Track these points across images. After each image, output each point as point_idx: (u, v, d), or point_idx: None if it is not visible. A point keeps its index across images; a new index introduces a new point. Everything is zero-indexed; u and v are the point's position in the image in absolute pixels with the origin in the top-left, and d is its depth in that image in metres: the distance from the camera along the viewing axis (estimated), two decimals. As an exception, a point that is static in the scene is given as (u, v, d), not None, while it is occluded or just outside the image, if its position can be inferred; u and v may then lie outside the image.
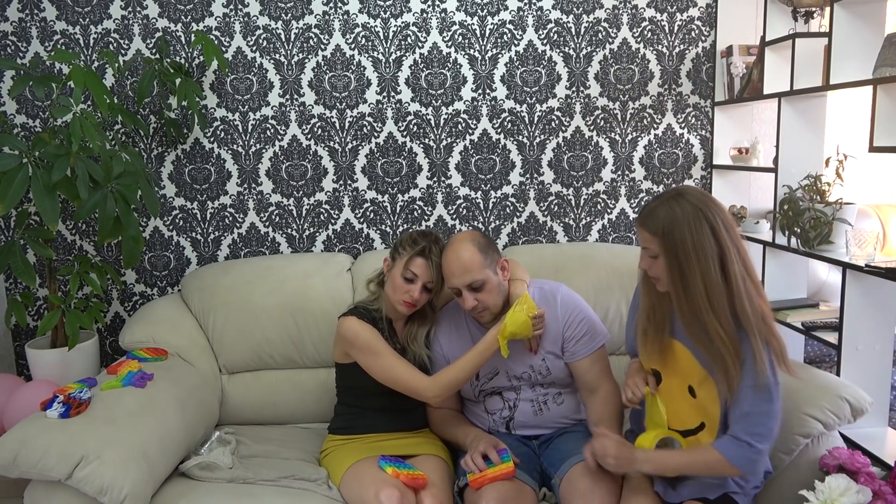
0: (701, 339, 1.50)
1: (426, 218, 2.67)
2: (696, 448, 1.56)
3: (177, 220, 2.63)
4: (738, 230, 1.51)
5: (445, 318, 1.99)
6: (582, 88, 2.62)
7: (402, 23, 2.54)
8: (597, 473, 1.65)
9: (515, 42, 2.58)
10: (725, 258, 1.44)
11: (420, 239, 1.87)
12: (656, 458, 1.56)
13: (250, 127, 2.58)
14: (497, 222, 2.68)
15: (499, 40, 2.57)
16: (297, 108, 2.58)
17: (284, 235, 2.66)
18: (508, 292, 1.86)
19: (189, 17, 2.51)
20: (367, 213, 2.65)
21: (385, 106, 2.59)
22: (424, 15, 2.54)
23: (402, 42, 2.56)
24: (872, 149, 1.80)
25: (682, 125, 2.66)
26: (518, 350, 1.86)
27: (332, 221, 2.65)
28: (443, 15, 2.55)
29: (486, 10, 2.55)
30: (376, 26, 2.54)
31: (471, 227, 2.67)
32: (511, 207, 2.67)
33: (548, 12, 2.56)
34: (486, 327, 1.86)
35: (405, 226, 2.66)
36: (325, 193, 2.63)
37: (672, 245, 1.46)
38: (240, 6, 2.52)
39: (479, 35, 2.57)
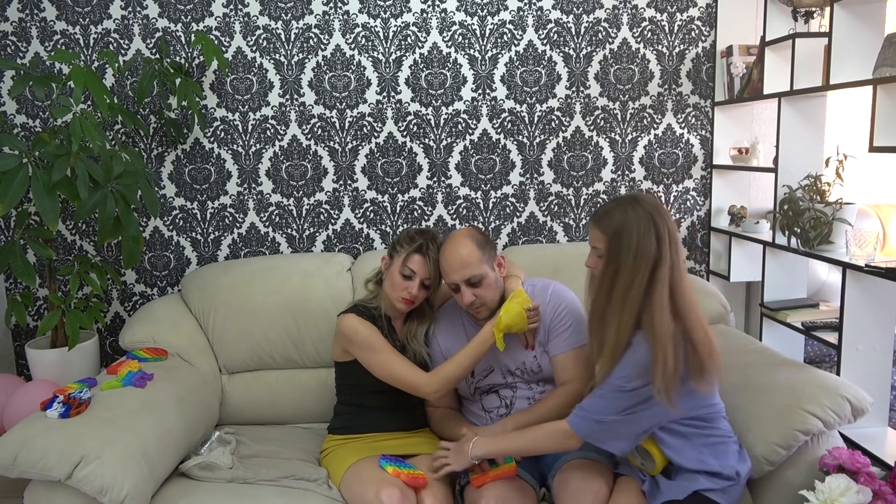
0: (597, 332, 1.58)
1: (426, 218, 2.67)
2: (543, 425, 1.66)
3: (177, 220, 2.63)
4: (681, 245, 1.60)
5: (443, 317, 2.00)
6: (582, 88, 2.62)
7: (402, 23, 2.54)
8: (587, 472, 1.66)
9: (515, 42, 2.58)
10: (658, 266, 1.50)
11: (417, 236, 1.89)
12: (486, 443, 1.68)
13: (250, 127, 2.58)
14: (497, 222, 2.68)
15: (499, 40, 2.57)
16: (297, 108, 2.58)
17: (284, 235, 2.66)
18: (504, 289, 1.87)
19: (189, 17, 2.51)
20: (367, 213, 2.65)
21: (385, 106, 2.59)
22: (424, 15, 2.54)
23: (402, 42, 2.56)
24: (872, 149, 1.80)
25: (682, 125, 2.67)
26: (513, 345, 1.86)
27: (332, 221, 2.65)
28: (443, 15, 2.55)
29: (486, 10, 2.55)
30: (376, 26, 2.54)
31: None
32: (511, 207, 2.67)
33: (548, 12, 2.56)
34: (480, 325, 1.87)
35: (405, 226, 2.66)
36: (325, 193, 2.63)
37: (618, 246, 1.52)
38: (240, 6, 2.52)
39: (479, 35, 2.57)
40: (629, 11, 2.58)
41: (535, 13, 2.56)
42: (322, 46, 2.55)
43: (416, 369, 1.85)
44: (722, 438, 1.61)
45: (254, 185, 2.61)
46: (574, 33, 2.58)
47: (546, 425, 1.64)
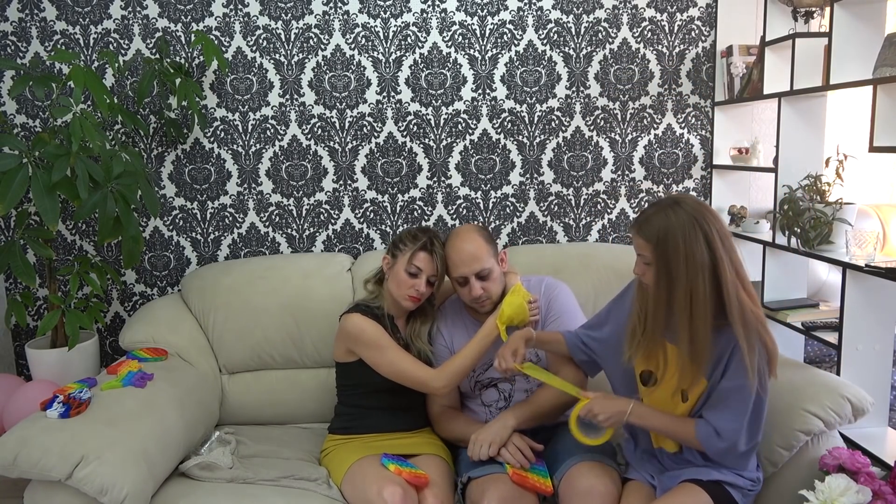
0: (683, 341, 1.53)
1: (426, 218, 2.67)
2: (680, 417, 1.58)
3: (177, 220, 2.63)
4: (733, 240, 1.52)
5: (446, 314, 2.03)
6: (582, 88, 2.62)
7: (402, 23, 2.54)
8: (595, 474, 1.66)
9: (515, 42, 2.58)
10: (718, 268, 1.45)
11: (421, 234, 1.92)
12: (644, 414, 1.59)
13: (250, 127, 2.58)
14: (497, 222, 2.68)
15: (499, 40, 2.57)
16: (297, 108, 2.58)
17: (284, 235, 2.65)
18: (504, 284, 1.91)
19: (189, 17, 2.51)
20: (367, 213, 2.65)
21: (385, 106, 2.59)
22: (424, 15, 2.54)
23: (402, 42, 2.56)
24: (872, 149, 1.80)
25: (682, 125, 2.66)
26: None
27: (332, 221, 2.65)
28: (443, 15, 2.55)
29: (486, 10, 2.55)
30: (376, 26, 2.54)
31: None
32: (511, 207, 2.67)
33: (548, 12, 2.56)
34: (481, 321, 1.90)
35: (405, 226, 2.66)
36: (325, 193, 2.63)
37: (664, 253, 1.47)
38: (240, 6, 2.52)
39: (479, 35, 2.57)
40: (629, 11, 2.58)
41: (535, 13, 2.56)
42: (322, 46, 2.55)
43: (423, 366, 1.87)
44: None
45: (254, 185, 2.61)
46: (574, 33, 2.58)
47: (683, 426, 1.56)
